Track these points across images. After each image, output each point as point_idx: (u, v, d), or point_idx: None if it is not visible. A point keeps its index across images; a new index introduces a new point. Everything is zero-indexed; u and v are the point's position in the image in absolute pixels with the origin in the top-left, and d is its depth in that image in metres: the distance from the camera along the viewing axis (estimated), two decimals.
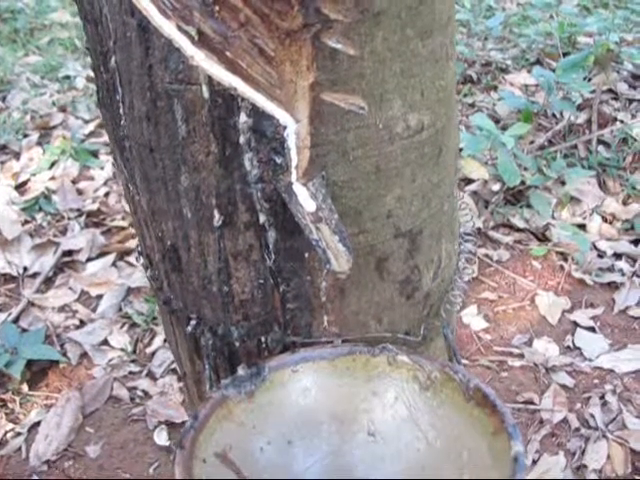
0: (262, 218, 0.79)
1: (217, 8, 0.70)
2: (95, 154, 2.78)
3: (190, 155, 0.78)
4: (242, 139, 0.75)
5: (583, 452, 1.64)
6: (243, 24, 0.70)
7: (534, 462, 1.60)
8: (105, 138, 2.84)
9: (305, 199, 0.75)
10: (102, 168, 2.69)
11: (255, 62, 0.71)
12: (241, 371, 0.83)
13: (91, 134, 2.91)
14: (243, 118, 0.74)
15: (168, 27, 0.72)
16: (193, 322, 0.91)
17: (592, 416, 1.73)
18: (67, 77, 3.44)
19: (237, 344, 0.90)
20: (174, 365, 1.96)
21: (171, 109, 0.77)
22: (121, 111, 0.83)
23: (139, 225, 0.94)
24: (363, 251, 0.82)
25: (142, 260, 0.99)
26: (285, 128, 0.74)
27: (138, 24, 0.74)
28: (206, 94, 0.74)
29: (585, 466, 1.61)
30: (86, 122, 3.00)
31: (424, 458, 0.83)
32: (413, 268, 0.88)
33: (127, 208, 2.49)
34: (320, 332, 0.88)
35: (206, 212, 0.81)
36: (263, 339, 0.88)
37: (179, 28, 0.71)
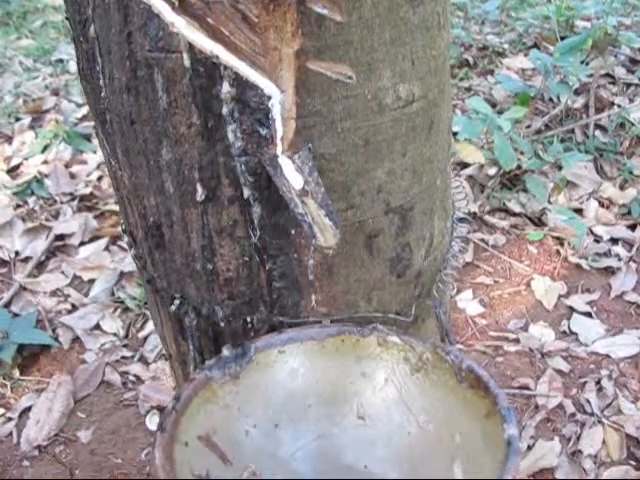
0: (246, 192, 0.77)
1: None
2: (88, 138, 2.75)
3: (171, 127, 0.75)
4: (225, 110, 0.72)
5: (578, 437, 1.63)
6: None
7: (529, 448, 1.59)
8: None
9: (291, 172, 0.72)
10: (95, 152, 2.66)
11: (238, 29, 0.68)
12: (226, 352, 0.80)
13: (84, 118, 2.88)
14: (226, 88, 0.71)
15: None
16: (177, 302, 0.88)
17: (588, 401, 1.71)
18: (60, 60, 3.41)
19: (222, 324, 0.87)
20: None
21: (151, 79, 0.74)
22: (101, 82, 0.80)
23: (122, 202, 0.91)
24: (352, 227, 0.80)
25: (126, 238, 0.96)
26: (270, 98, 0.71)
27: None
28: (187, 63, 0.71)
29: (580, 451, 1.59)
30: (79, 106, 2.97)
31: (415, 442, 0.81)
32: (404, 245, 0.86)
33: None
34: (308, 312, 0.86)
35: (189, 187, 0.78)
36: (249, 319, 0.86)
37: None
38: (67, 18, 0.85)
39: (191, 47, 0.70)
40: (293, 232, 0.79)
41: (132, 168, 0.82)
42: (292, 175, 0.72)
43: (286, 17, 0.67)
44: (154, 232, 0.85)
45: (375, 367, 0.84)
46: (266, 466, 0.79)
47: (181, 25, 0.69)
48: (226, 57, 0.69)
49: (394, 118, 0.77)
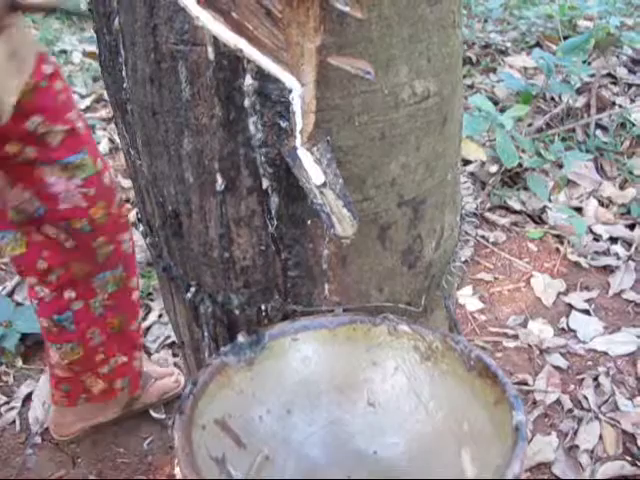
0: (265, 183, 0.79)
1: None
2: (92, 129, 2.76)
3: (193, 118, 0.77)
4: (247, 102, 0.74)
5: (576, 433, 1.65)
6: None
7: (527, 442, 1.61)
8: (102, 113, 2.83)
9: (309, 164, 0.74)
10: (98, 143, 2.67)
11: (262, 24, 0.70)
12: (241, 338, 0.82)
13: (87, 109, 2.89)
14: (249, 81, 0.73)
15: None
16: (193, 289, 0.90)
17: (585, 398, 1.74)
18: (64, 51, 3.42)
19: (237, 312, 0.89)
20: (169, 340, 1.96)
21: (175, 71, 0.76)
22: (124, 73, 0.82)
23: (139, 191, 0.93)
24: (366, 219, 0.82)
25: (141, 227, 0.98)
26: (290, 92, 0.73)
27: None
28: (211, 55, 0.73)
29: (577, 446, 1.62)
30: (83, 97, 2.98)
31: (424, 428, 0.83)
32: (416, 237, 0.88)
33: (123, 184, 2.48)
34: (321, 301, 0.88)
35: (208, 177, 0.80)
36: (263, 307, 0.88)
37: None
38: (90, 10, 0.86)
39: (215, 40, 0.72)
40: (309, 222, 0.81)
41: (152, 157, 0.84)
42: (311, 167, 0.74)
43: (309, 13, 0.69)
44: (172, 221, 0.87)
45: (385, 355, 0.86)
46: (279, 450, 0.81)
47: (206, 19, 0.71)
48: (249, 51, 0.71)
49: (409, 113, 0.79)
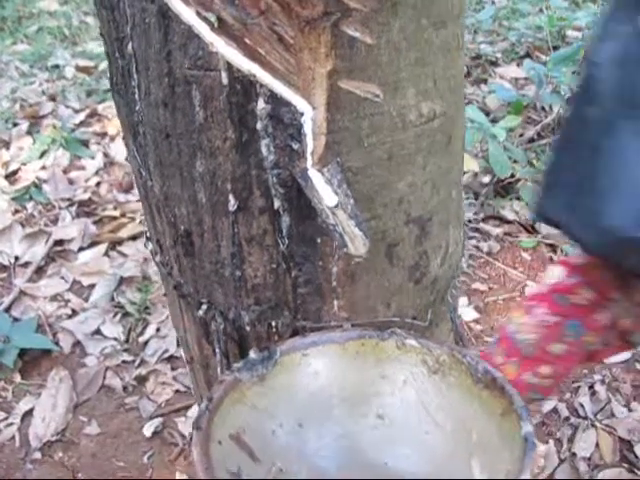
0: (277, 203, 0.81)
1: None
2: (86, 144, 2.77)
3: (207, 141, 0.79)
4: (259, 125, 0.76)
5: (572, 440, 1.66)
6: (263, 11, 0.71)
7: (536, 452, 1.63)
8: (96, 128, 2.83)
9: (320, 185, 0.76)
10: (93, 158, 2.68)
11: (274, 49, 0.73)
12: (253, 354, 0.84)
13: (81, 123, 2.90)
14: (261, 104, 0.75)
15: (188, 14, 0.73)
16: (204, 307, 0.92)
17: (581, 405, 1.75)
18: (56, 66, 3.42)
19: (247, 328, 0.91)
20: (167, 354, 1.97)
21: (189, 95, 0.78)
22: (136, 97, 0.84)
23: (150, 210, 0.94)
24: (374, 237, 0.84)
25: (151, 246, 1.00)
26: (302, 114, 0.75)
27: (158, 10, 0.75)
28: (225, 80, 0.75)
29: (574, 454, 1.63)
30: (76, 111, 2.98)
31: (433, 440, 0.85)
32: (422, 254, 0.90)
33: (119, 198, 2.49)
34: (330, 317, 0.90)
35: (221, 197, 0.82)
36: (273, 323, 0.90)
37: (199, 15, 0.73)
38: (101, 34, 0.88)
39: (229, 65, 0.74)
40: (319, 241, 0.83)
41: (164, 179, 0.86)
42: (322, 187, 0.76)
43: (320, 39, 0.72)
44: (184, 240, 0.89)
45: (394, 369, 0.88)
46: (292, 463, 0.83)
47: (220, 45, 0.73)
48: (262, 75, 0.73)
49: (416, 134, 0.82)
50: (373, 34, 0.73)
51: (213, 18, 0.72)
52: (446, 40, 0.81)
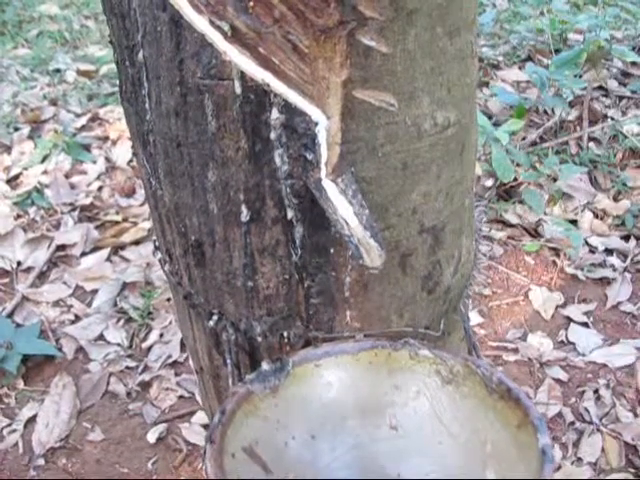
0: (290, 214, 0.80)
1: (251, 4, 0.70)
2: (87, 148, 2.76)
3: (219, 150, 0.78)
4: (273, 135, 0.76)
5: (578, 445, 1.66)
6: (277, 20, 0.70)
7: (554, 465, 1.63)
8: (97, 132, 2.83)
9: (335, 195, 0.75)
10: (94, 162, 2.68)
11: (288, 58, 0.72)
12: (265, 366, 0.83)
13: (83, 128, 2.89)
14: (275, 114, 0.75)
15: (201, 22, 0.72)
16: (215, 317, 0.91)
17: (586, 410, 1.75)
18: (57, 70, 3.41)
19: (259, 339, 0.90)
20: (170, 360, 1.96)
21: (201, 104, 0.77)
22: (147, 106, 0.83)
23: (159, 220, 0.94)
24: (388, 247, 0.83)
25: (160, 255, 0.99)
26: (316, 124, 0.74)
27: (170, 18, 0.74)
28: (238, 90, 0.74)
29: (580, 459, 1.63)
30: (78, 116, 2.98)
31: (447, 451, 0.84)
32: (435, 263, 0.89)
33: (121, 202, 2.48)
34: (342, 327, 0.89)
35: (233, 207, 0.81)
36: (285, 334, 0.89)
37: (212, 23, 0.72)
38: (111, 42, 0.87)
39: (242, 75, 0.73)
40: (332, 251, 0.82)
41: (175, 188, 0.85)
42: (336, 198, 0.75)
43: (336, 48, 0.71)
44: (195, 250, 0.88)
45: (407, 380, 0.87)
46: (305, 475, 0.83)
47: (233, 54, 0.72)
48: (276, 85, 0.73)
49: (431, 143, 0.81)
50: (389, 43, 0.72)
51: (226, 27, 0.71)
52: (460, 48, 0.80)
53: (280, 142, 0.76)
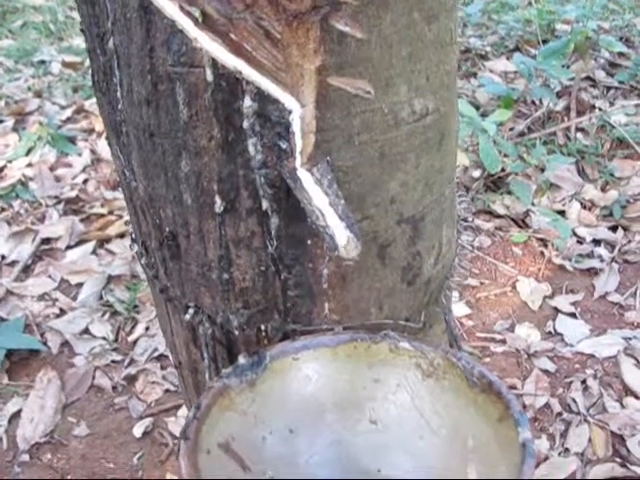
0: (265, 204, 0.78)
1: None
2: (73, 140, 2.74)
3: (192, 140, 0.77)
4: (246, 124, 0.74)
5: (565, 436, 1.66)
6: (249, 5, 0.68)
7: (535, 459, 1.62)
8: (82, 124, 2.81)
9: (310, 185, 0.73)
10: (80, 155, 2.66)
11: (261, 45, 0.70)
12: (242, 360, 0.82)
13: (68, 120, 2.87)
14: (248, 102, 0.73)
15: (171, 8, 0.70)
16: (191, 311, 0.89)
17: (574, 400, 1.75)
18: (42, 62, 3.38)
19: (236, 332, 0.88)
20: (156, 353, 1.95)
21: (173, 92, 0.75)
22: (118, 95, 0.81)
23: (135, 212, 0.92)
24: (366, 237, 0.81)
25: (136, 248, 0.97)
26: (290, 112, 0.72)
27: (139, 5, 0.72)
28: (210, 77, 0.72)
29: (567, 449, 1.63)
30: (63, 108, 2.96)
31: (428, 445, 0.83)
32: (415, 254, 0.88)
33: (106, 195, 2.46)
34: (321, 319, 0.87)
35: (207, 198, 0.80)
36: (263, 327, 0.87)
37: (182, 9, 0.70)
38: (82, 30, 0.85)
39: (214, 62, 0.71)
40: (309, 242, 0.81)
41: (148, 179, 0.83)
42: (312, 188, 0.74)
43: (309, 34, 0.69)
44: (170, 242, 0.86)
45: (387, 373, 0.86)
46: (283, 471, 0.81)
47: (204, 40, 0.70)
48: (248, 72, 0.71)
49: (409, 131, 0.79)
50: (363, 28, 0.71)
51: (197, 12, 0.69)
52: (439, 34, 0.78)
53: (253, 131, 0.74)
